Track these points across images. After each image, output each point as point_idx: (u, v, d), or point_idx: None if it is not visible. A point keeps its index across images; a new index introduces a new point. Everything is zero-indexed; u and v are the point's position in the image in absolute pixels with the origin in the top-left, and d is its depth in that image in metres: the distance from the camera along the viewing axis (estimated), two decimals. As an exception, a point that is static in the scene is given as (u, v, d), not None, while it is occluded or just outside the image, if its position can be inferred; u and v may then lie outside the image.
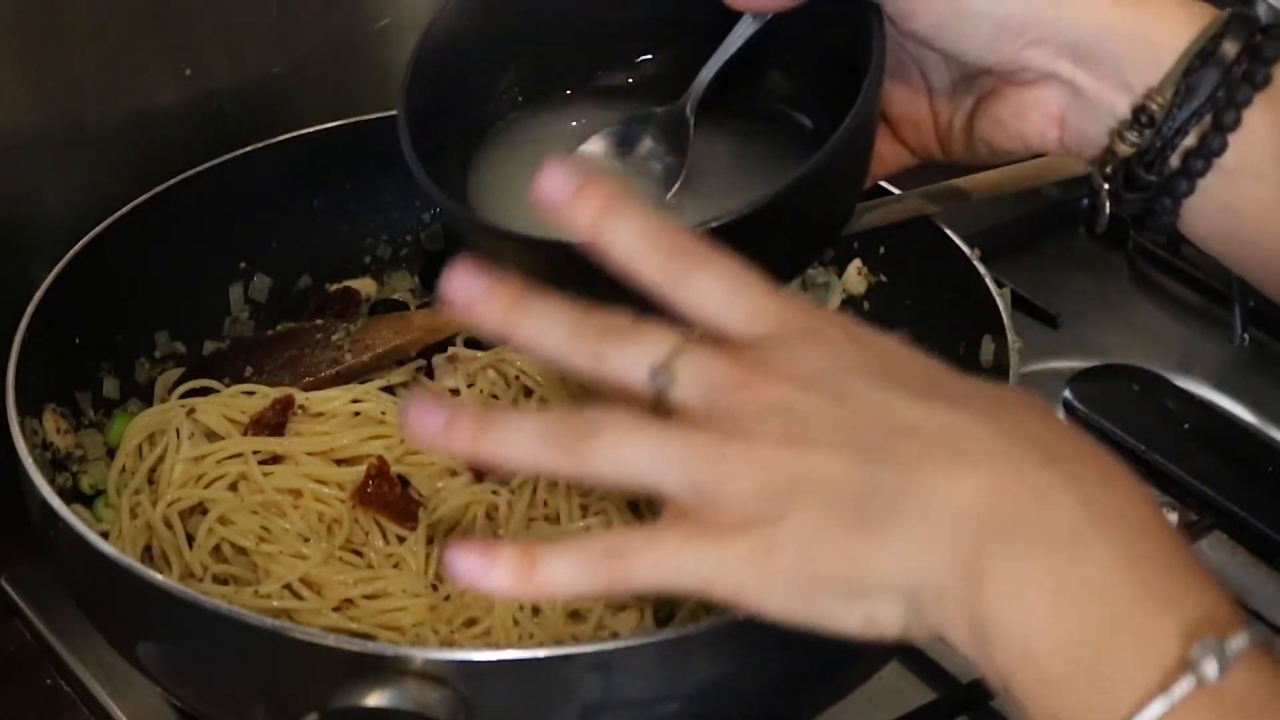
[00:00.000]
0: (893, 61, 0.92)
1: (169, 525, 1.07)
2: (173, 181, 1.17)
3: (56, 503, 0.95)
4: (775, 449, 0.64)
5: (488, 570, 0.65)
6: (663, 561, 0.65)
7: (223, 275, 1.24)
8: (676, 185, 0.97)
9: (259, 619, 0.88)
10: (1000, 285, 1.10)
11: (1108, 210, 0.89)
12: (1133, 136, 0.85)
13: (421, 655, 0.82)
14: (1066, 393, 1.37)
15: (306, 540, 1.06)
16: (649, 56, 1.05)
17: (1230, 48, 0.84)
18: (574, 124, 1.04)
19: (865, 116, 0.87)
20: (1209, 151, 0.85)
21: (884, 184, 1.16)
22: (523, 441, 0.66)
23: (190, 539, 1.07)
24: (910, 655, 1.14)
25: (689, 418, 0.66)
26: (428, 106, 0.98)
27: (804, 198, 0.87)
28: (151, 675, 1.00)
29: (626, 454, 0.65)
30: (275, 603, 1.01)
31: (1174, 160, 0.85)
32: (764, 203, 0.85)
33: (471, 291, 0.67)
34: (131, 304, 1.18)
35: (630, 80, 1.06)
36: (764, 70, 1.01)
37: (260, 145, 1.20)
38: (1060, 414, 1.36)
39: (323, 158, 1.24)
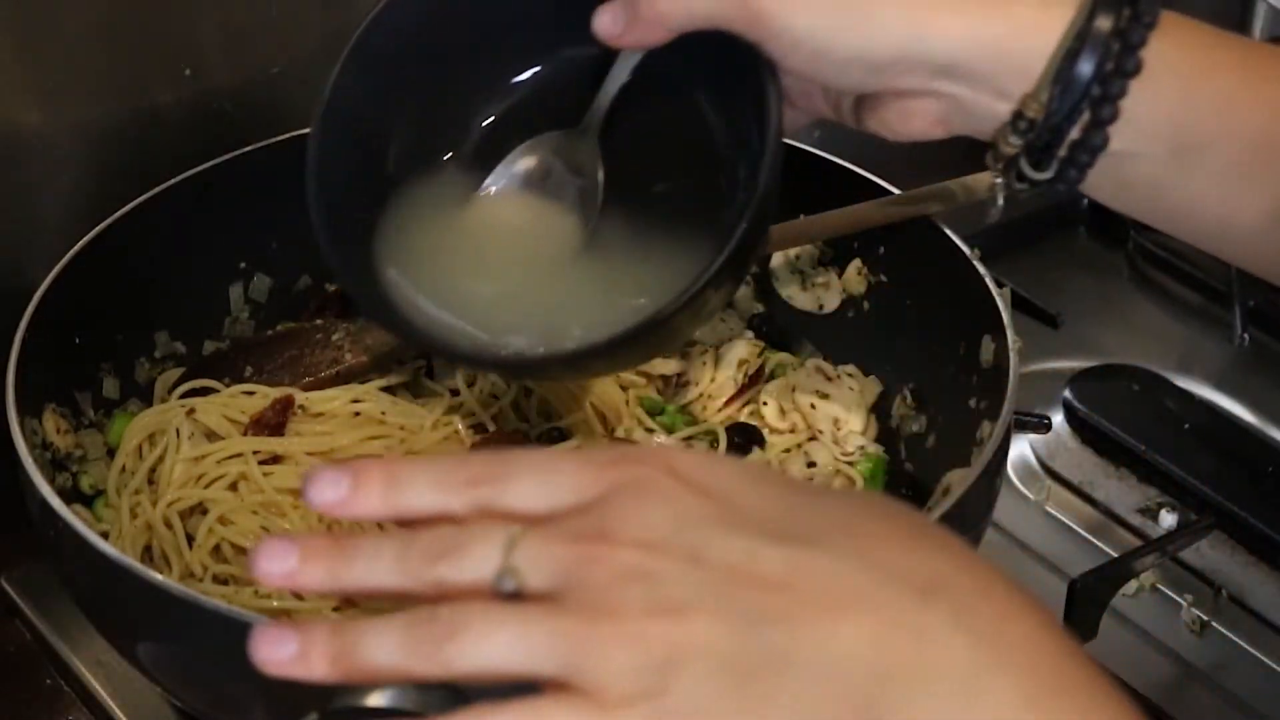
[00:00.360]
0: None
1: (169, 525, 1.07)
2: (173, 181, 1.17)
3: (56, 503, 0.95)
4: (644, 622, 0.60)
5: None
6: None
7: (223, 275, 1.24)
8: (596, 211, 1.00)
9: (259, 619, 0.88)
10: (1000, 285, 1.10)
11: (1000, 202, 0.94)
12: (1015, 140, 0.87)
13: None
14: (1066, 393, 1.37)
15: (308, 540, 1.06)
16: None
17: (1099, 40, 0.84)
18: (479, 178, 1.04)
19: (739, 250, 0.90)
20: (1092, 146, 0.85)
21: (884, 184, 1.16)
22: (385, 650, 0.63)
23: (190, 539, 1.07)
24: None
25: (549, 603, 0.62)
26: (333, 169, 0.99)
27: (673, 319, 0.91)
28: (151, 675, 1.00)
29: (493, 650, 0.61)
30: (275, 603, 1.01)
31: (1062, 152, 0.86)
32: (620, 337, 0.90)
33: (286, 567, 0.64)
34: (131, 304, 1.18)
35: (528, 119, 1.05)
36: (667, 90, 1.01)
37: (260, 145, 1.20)
38: (1060, 414, 1.36)
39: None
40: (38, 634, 1.17)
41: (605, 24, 0.91)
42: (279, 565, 0.64)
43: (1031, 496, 1.32)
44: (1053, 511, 1.31)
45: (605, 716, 0.59)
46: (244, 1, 1.27)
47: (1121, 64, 0.84)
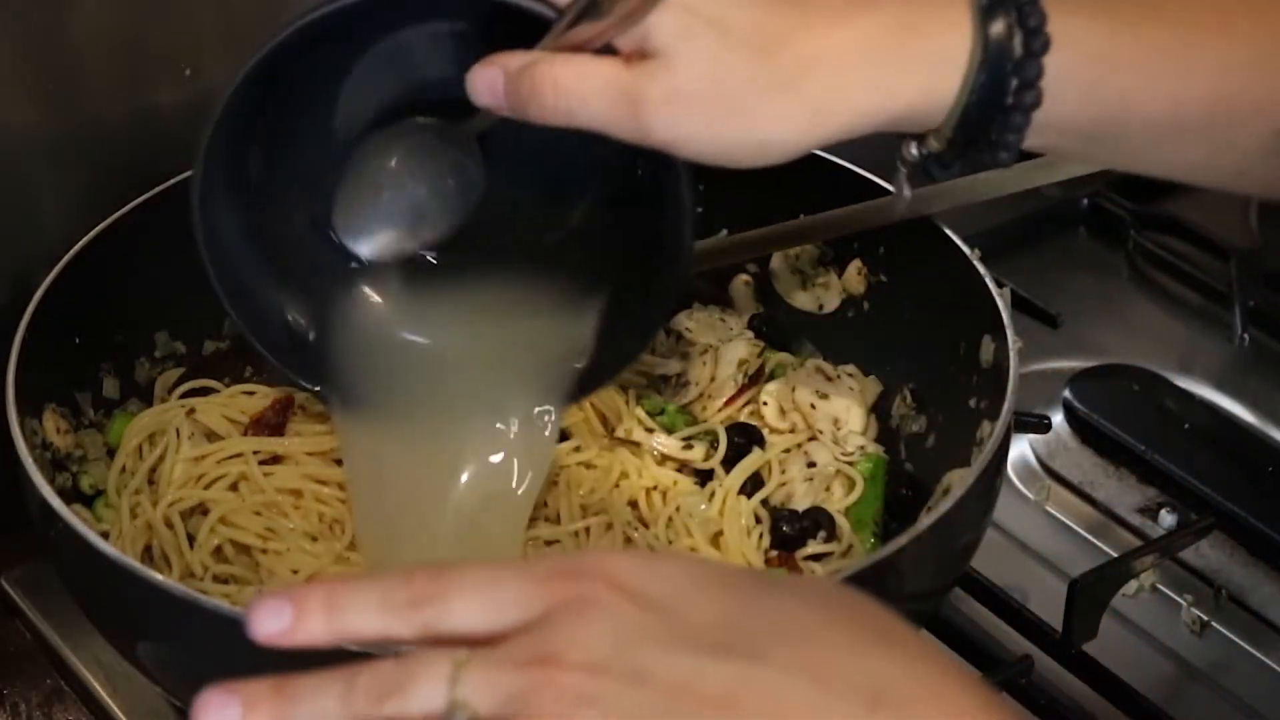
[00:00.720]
0: None
1: (169, 525, 1.07)
2: (173, 181, 1.17)
3: (57, 503, 0.95)
4: None
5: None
6: None
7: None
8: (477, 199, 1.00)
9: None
10: (1000, 285, 1.10)
11: (906, 192, 0.92)
12: (914, 151, 0.89)
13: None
14: (1066, 393, 1.37)
15: (314, 539, 1.06)
16: None
17: (995, 94, 0.85)
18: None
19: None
20: (1007, 144, 0.87)
21: (883, 184, 1.16)
22: None
23: (191, 539, 1.07)
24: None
25: None
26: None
27: None
28: (151, 675, 1.00)
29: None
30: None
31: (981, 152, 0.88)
32: None
33: (229, 717, 0.64)
34: (131, 304, 1.18)
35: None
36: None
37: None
38: (1060, 414, 1.36)
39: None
40: (38, 634, 1.17)
41: (482, 92, 0.87)
42: (220, 717, 0.63)
43: (1031, 496, 1.32)
44: (1053, 511, 1.31)
45: None
46: (244, 1, 1.26)
47: (1021, 100, 0.85)
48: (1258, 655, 1.20)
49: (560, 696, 0.60)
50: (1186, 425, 1.35)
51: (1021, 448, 1.34)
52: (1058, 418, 1.35)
